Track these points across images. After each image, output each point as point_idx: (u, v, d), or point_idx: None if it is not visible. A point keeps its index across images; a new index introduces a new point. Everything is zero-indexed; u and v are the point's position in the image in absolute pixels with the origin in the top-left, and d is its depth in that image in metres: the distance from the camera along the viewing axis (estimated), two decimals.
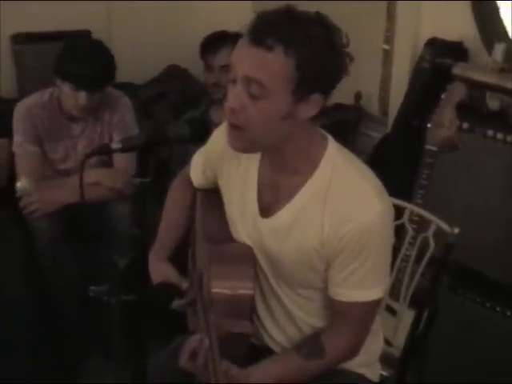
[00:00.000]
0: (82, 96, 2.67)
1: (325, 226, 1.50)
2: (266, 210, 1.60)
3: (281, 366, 1.60)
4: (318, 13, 1.43)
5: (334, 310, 1.59)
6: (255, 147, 1.54)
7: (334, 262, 1.52)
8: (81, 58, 2.66)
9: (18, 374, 2.57)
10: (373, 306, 1.59)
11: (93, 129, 2.87)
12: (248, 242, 1.65)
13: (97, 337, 2.89)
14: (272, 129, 1.46)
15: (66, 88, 2.68)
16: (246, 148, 1.53)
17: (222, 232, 1.70)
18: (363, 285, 1.53)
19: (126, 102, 2.94)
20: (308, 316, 1.67)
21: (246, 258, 1.61)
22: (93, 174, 2.70)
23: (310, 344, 1.60)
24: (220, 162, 1.72)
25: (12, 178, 2.83)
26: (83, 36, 2.76)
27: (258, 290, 1.66)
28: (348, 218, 1.47)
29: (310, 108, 1.45)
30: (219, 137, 1.70)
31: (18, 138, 2.78)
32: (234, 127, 1.47)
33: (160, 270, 1.81)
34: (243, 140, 1.48)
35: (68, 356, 2.80)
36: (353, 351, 1.63)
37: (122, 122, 2.89)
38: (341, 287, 1.54)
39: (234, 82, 1.44)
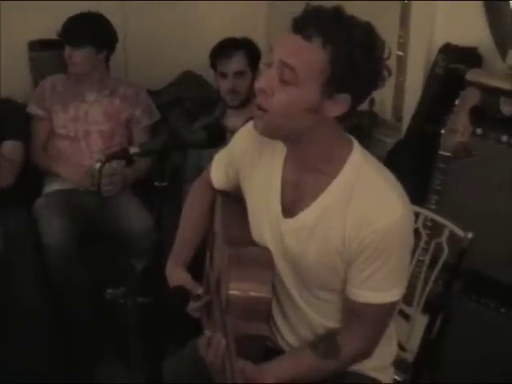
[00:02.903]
0: (67, 50, 2.96)
1: (347, 227, 1.51)
2: (288, 210, 1.61)
3: (296, 364, 1.61)
4: (367, 22, 1.46)
5: (351, 310, 1.61)
6: (275, 133, 1.54)
7: (353, 263, 1.54)
8: (71, 19, 2.99)
9: (33, 378, 2.59)
10: (389, 308, 1.61)
11: (109, 101, 3.10)
12: (269, 242, 1.66)
13: (110, 342, 2.91)
14: (294, 118, 1.47)
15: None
16: (266, 131, 1.53)
17: (241, 235, 1.71)
18: (381, 287, 1.54)
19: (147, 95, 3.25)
20: (324, 318, 1.68)
21: (265, 262, 1.63)
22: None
23: (326, 343, 1.62)
24: (243, 160, 1.73)
25: (21, 178, 2.92)
26: None
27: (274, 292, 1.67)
28: (370, 221, 1.48)
29: (337, 107, 1.47)
30: (243, 135, 1.74)
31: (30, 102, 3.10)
32: (260, 108, 1.49)
33: (176, 276, 1.82)
34: (264, 122, 1.50)
35: (81, 363, 2.83)
36: (367, 352, 1.64)
37: (149, 104, 3.20)
38: (359, 288, 1.55)
39: (269, 65, 1.47)
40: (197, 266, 1.92)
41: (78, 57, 2.95)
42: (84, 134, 3.05)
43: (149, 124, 3.17)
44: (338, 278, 1.59)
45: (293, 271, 1.65)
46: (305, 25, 1.42)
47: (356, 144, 1.59)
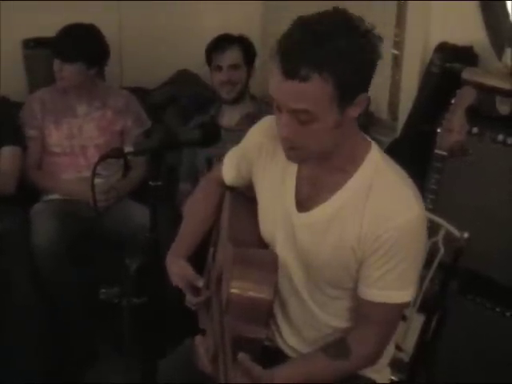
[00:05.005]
0: (56, 63, 2.90)
1: (364, 225, 1.52)
2: (302, 206, 1.62)
3: (307, 366, 1.61)
4: (332, 14, 1.43)
5: (362, 311, 1.60)
6: (314, 157, 1.57)
7: (367, 261, 1.54)
8: (63, 32, 2.93)
9: (28, 377, 2.58)
10: (400, 309, 1.61)
11: (102, 114, 3.05)
12: (280, 236, 1.66)
13: (106, 342, 2.90)
14: (328, 141, 1.50)
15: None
16: (305, 160, 1.58)
17: (248, 234, 1.72)
18: (394, 287, 1.54)
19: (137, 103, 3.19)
20: (330, 316, 1.67)
21: (269, 264, 1.61)
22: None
23: (337, 344, 1.61)
24: (258, 155, 1.73)
25: (21, 184, 2.89)
26: None
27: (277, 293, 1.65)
28: (387, 218, 1.49)
29: (357, 108, 1.49)
30: (258, 131, 1.75)
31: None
32: (292, 149, 1.52)
33: (176, 267, 1.81)
34: (302, 156, 1.55)
35: (75, 362, 2.82)
36: (378, 354, 1.64)
37: (139, 112, 3.16)
38: (372, 288, 1.55)
39: (279, 109, 1.48)
40: (198, 262, 1.90)
41: (68, 72, 2.90)
42: (80, 149, 3.02)
43: (140, 132, 3.14)
44: (349, 276, 1.59)
45: (303, 268, 1.64)
46: (294, 66, 1.38)
47: (374, 143, 1.60)
